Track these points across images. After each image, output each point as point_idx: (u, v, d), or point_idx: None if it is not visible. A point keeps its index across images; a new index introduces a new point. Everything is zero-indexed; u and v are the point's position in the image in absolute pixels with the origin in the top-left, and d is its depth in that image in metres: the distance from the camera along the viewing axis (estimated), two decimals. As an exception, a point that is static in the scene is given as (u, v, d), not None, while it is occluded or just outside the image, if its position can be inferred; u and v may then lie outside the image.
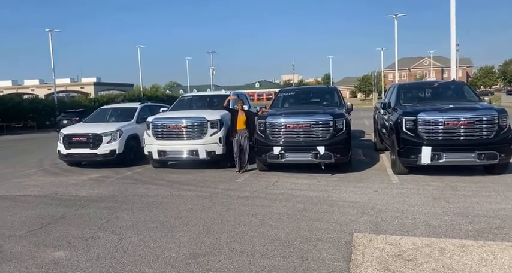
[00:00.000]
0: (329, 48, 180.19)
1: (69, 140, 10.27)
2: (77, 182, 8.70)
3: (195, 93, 21.82)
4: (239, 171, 8.92)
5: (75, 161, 10.71)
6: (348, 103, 9.81)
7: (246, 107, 9.69)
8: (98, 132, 10.13)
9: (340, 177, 8.04)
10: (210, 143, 9.08)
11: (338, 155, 7.91)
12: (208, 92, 15.27)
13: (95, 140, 10.08)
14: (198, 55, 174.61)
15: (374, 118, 12.07)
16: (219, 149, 9.14)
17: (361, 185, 7.26)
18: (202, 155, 9.06)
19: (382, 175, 8.09)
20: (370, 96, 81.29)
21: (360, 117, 26.81)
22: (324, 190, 7.05)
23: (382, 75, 69.37)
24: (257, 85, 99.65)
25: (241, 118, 8.95)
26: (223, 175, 8.84)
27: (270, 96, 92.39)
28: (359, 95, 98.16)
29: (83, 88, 52.70)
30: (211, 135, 9.13)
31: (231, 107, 9.83)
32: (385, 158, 9.99)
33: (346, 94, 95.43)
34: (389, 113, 8.88)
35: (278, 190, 7.19)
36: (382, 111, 10.03)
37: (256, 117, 9.00)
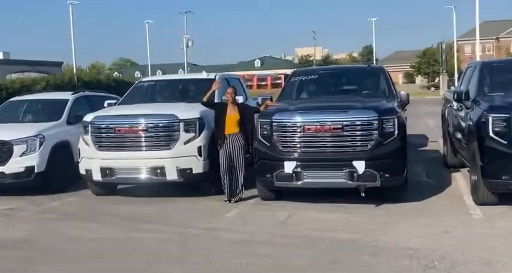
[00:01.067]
0: (369, 7, 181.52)
1: (-40, 152, 10.27)
2: (-28, 219, 8.68)
3: (159, 76, 21.91)
4: (229, 200, 8.93)
5: (-31, 185, 10.70)
6: (402, 92, 9.82)
7: (240, 99, 9.71)
8: (6, 139, 10.15)
9: (390, 210, 8.03)
10: (184, 155, 9.10)
11: (387, 175, 7.92)
12: (181, 75, 15.34)
13: (1, 151, 10.08)
14: (165, 18, 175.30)
15: (443, 116, 12.09)
16: (197, 166, 9.15)
17: (423, 223, 7.25)
18: (172, 176, 9.07)
19: (456, 206, 8.08)
20: (437, 81, 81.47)
21: (420, 113, 26.78)
22: (364, 230, 7.03)
23: (455, 47, 69.54)
24: (257, 63, 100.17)
25: (233, 116, 8.97)
26: (204, 206, 8.83)
27: (278, 81, 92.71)
28: (418, 79, 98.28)
29: (-18, 68, 52.77)
30: (185, 143, 9.15)
31: (215, 100, 9.85)
32: (461, 180, 10.00)
33: (397, 77, 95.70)
34: (468, 108, 8.90)
35: (292, 230, 7.18)
36: (455, 104, 10.04)
37: (256, 115, 9.02)
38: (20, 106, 12.32)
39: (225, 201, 8.93)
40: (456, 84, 45.42)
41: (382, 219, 7.54)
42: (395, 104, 8.83)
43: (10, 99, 13.09)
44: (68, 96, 12.30)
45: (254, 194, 9.12)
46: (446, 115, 11.61)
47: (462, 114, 9.37)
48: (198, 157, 9.15)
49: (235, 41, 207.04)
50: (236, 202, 8.90)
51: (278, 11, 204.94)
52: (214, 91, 9.54)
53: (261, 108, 9.08)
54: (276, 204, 8.68)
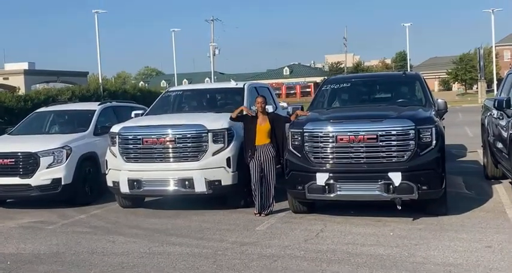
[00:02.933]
0: (402, 12, 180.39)
1: (-14, 164, 10.47)
2: (-1, 232, 8.85)
3: (187, 86, 22.07)
4: (260, 213, 8.93)
5: (-4, 198, 10.90)
6: (439, 100, 9.74)
7: (270, 108, 9.73)
8: (33, 150, 10.31)
9: (429, 223, 7.95)
10: (213, 167, 9.15)
11: (424, 187, 7.85)
12: (209, 84, 15.43)
13: (28, 163, 10.25)
14: (191, 26, 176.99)
15: (483, 125, 11.94)
16: (226, 178, 9.19)
17: (463, 237, 7.17)
18: (200, 188, 9.12)
19: (498, 220, 7.97)
20: (475, 88, 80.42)
21: (458, 122, 26.54)
22: (401, 244, 6.99)
23: (494, 53, 68.73)
24: (286, 71, 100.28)
25: (263, 126, 8.99)
26: (234, 219, 8.86)
27: (308, 90, 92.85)
28: (455, 86, 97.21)
29: (7, 79, 53.75)
30: (213, 154, 9.20)
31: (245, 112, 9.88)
32: (503, 192, 9.87)
33: (433, 85, 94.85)
34: (509, 116, 8.79)
35: (325, 244, 7.16)
36: (495, 112, 9.92)
37: (287, 125, 9.03)
38: (46, 117, 12.52)
39: (255, 214, 8.93)
40: (496, 91, 44.83)
41: (419, 233, 7.47)
42: (433, 113, 8.76)
43: (36, 110, 13.28)
44: (94, 106, 12.47)
45: (285, 207, 9.12)
46: (486, 124, 11.46)
47: (503, 122, 9.25)
48: (227, 168, 9.18)
49: (263, 48, 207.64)
50: (266, 215, 8.90)
51: (307, 18, 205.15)
52: (242, 110, 9.46)
53: (292, 118, 9.08)
54: (308, 217, 8.66)
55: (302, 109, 10.02)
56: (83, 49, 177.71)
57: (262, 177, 8.96)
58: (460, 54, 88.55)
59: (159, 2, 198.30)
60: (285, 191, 8.82)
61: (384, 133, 8.01)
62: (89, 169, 10.83)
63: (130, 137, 9.52)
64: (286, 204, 9.08)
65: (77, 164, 10.52)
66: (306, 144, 8.37)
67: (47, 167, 10.22)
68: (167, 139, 9.27)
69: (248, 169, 9.04)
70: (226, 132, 9.28)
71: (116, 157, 9.63)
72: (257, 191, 8.92)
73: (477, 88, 67.60)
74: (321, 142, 8.28)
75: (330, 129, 8.25)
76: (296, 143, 8.49)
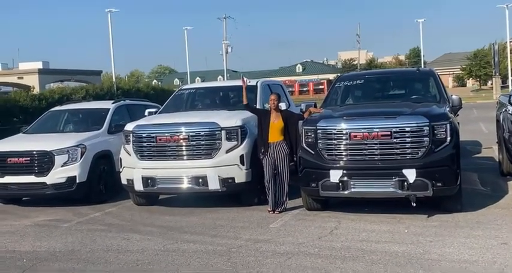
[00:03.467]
0: (416, 8, 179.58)
1: (1, 163, 10.58)
2: (15, 230, 8.90)
3: (200, 84, 22.10)
4: (274, 211, 8.94)
5: (11, 197, 11.00)
6: (454, 96, 9.69)
7: (283, 105, 9.73)
8: (48, 149, 10.38)
9: (443, 220, 7.93)
10: (226, 165, 9.17)
11: (439, 184, 7.82)
12: (222, 82, 15.41)
13: (43, 161, 10.33)
14: (203, 24, 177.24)
15: (498, 121, 11.85)
16: (240, 175, 9.21)
17: (478, 234, 7.14)
18: (214, 185, 9.15)
19: (514, 217, 7.93)
20: (489, 84, 79.85)
21: (472, 118, 26.34)
22: (416, 242, 6.97)
23: (509, 48, 68.00)
24: (299, 69, 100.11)
25: (277, 123, 9.00)
26: (247, 216, 8.87)
27: (321, 87, 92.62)
28: (469, 83, 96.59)
29: (21, 78, 54.14)
30: (227, 152, 9.23)
31: (258, 106, 9.87)
32: (519, 189, 9.80)
33: (447, 81, 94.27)
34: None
35: (339, 242, 7.16)
36: (511, 108, 9.83)
37: (300, 122, 9.03)
38: (60, 116, 12.63)
39: (269, 211, 8.95)
40: (511, 87, 44.46)
41: (434, 230, 7.45)
42: (447, 109, 8.71)
43: (51, 109, 13.37)
44: (108, 105, 12.53)
45: (299, 204, 9.13)
46: (501, 120, 11.37)
47: (519, 118, 9.18)
48: (241, 166, 9.20)
49: (275, 46, 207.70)
50: (280, 212, 8.91)
51: (319, 14, 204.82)
52: (247, 89, 9.52)
53: (305, 115, 9.08)
54: (322, 214, 8.66)
55: (315, 106, 10.01)
56: (97, 48, 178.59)
57: (275, 174, 8.97)
58: (474, 49, 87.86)
59: (172, 0, 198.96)
60: (299, 189, 8.83)
61: (398, 129, 7.99)
62: (104, 167, 10.90)
63: (144, 135, 9.56)
64: (299, 201, 9.09)
65: (92, 162, 10.58)
66: (319, 141, 8.37)
67: (62, 166, 10.29)
68: (181, 137, 9.31)
69: (262, 167, 9.06)
70: (239, 130, 9.30)
71: (130, 155, 9.68)
72: (271, 189, 8.93)
73: (492, 84, 67.01)
74: (335, 139, 8.27)
75: (343, 125, 8.24)
76: (309, 140, 8.49)
